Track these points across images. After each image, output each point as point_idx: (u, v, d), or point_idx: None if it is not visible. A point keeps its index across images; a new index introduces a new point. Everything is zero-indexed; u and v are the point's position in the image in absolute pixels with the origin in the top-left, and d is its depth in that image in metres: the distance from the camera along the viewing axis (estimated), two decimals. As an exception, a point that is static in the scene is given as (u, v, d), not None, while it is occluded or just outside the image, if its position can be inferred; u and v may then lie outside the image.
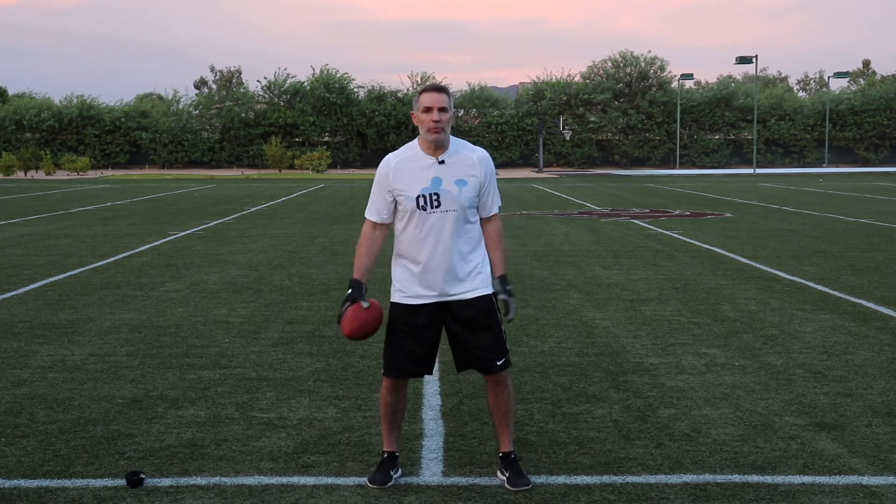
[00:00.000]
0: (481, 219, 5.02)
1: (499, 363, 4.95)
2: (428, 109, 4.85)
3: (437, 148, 4.90)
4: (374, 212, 4.99)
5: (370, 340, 8.40)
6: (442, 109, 4.84)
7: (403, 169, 4.92)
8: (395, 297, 5.01)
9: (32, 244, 16.84)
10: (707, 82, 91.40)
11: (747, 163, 78.42)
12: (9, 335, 8.71)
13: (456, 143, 4.98)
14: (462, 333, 4.97)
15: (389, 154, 5.06)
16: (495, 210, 5.04)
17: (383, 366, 5.08)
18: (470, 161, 4.94)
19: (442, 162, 4.90)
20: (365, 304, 4.90)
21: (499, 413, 5.05)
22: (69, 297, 10.87)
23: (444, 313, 4.96)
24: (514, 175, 58.55)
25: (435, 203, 4.88)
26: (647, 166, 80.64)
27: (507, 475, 4.94)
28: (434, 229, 4.89)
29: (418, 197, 4.88)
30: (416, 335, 4.95)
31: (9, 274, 12.86)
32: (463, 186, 4.90)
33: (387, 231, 5.02)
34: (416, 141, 5.00)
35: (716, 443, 5.60)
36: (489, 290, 5.00)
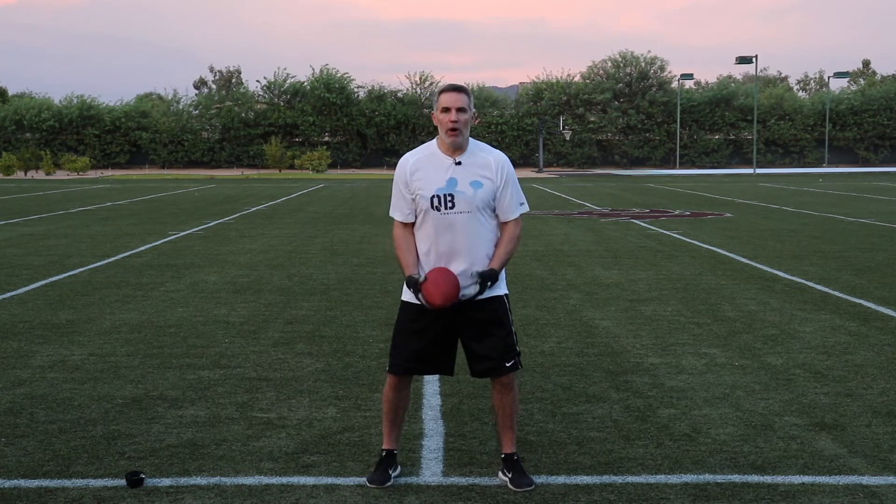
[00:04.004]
0: (501, 222, 5.01)
1: (508, 364, 4.95)
2: (447, 110, 4.84)
3: (455, 149, 4.90)
4: (398, 211, 4.99)
5: (370, 340, 8.43)
6: (461, 110, 4.83)
7: (420, 168, 4.91)
8: (406, 296, 5.01)
9: (32, 244, 16.83)
10: (707, 82, 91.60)
11: (747, 163, 78.42)
12: (9, 335, 8.71)
13: (474, 144, 4.97)
14: (472, 335, 4.96)
15: (407, 153, 5.07)
16: (515, 214, 4.98)
17: (389, 362, 5.07)
18: (486, 163, 4.93)
19: (459, 163, 4.89)
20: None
21: (503, 414, 5.04)
22: (69, 297, 10.87)
23: (454, 315, 4.95)
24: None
25: (449, 204, 4.86)
26: (647, 166, 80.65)
27: (510, 476, 4.94)
28: (448, 230, 4.88)
29: (433, 197, 4.87)
30: (424, 334, 4.95)
31: (9, 274, 12.85)
32: (478, 188, 4.88)
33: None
34: (434, 141, 4.99)
35: (716, 443, 5.59)
36: (501, 292, 5.00)
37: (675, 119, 79.73)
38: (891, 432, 5.80)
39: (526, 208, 5.05)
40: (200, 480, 5.00)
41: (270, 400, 6.53)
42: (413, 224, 4.98)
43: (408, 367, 5.01)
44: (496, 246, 5.00)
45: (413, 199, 4.93)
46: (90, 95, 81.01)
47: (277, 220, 22.87)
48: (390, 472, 5.00)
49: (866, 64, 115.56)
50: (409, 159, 4.99)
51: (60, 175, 63.16)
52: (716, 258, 14.65)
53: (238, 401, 6.50)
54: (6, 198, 33.76)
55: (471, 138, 4.97)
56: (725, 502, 4.71)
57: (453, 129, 4.84)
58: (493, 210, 4.98)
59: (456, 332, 5.01)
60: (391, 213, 5.03)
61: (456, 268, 4.87)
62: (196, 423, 5.97)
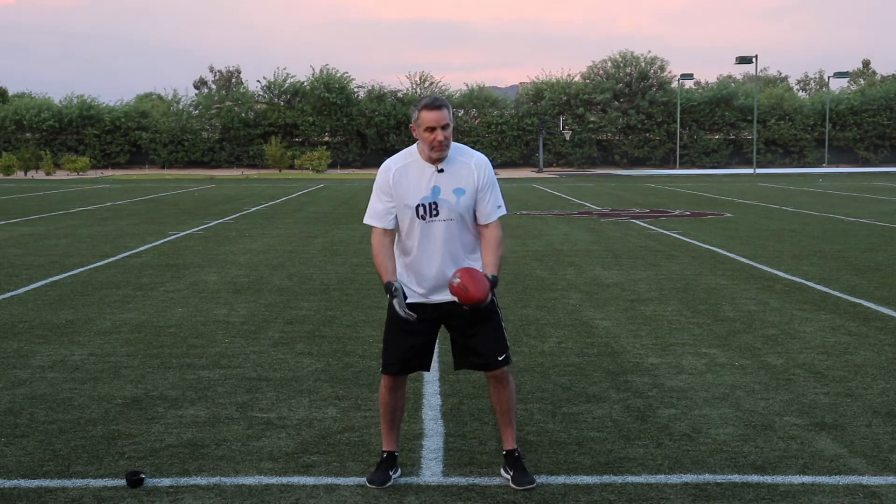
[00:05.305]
0: (479, 225, 4.99)
1: (500, 359, 4.96)
2: (431, 129, 4.81)
3: (438, 158, 4.90)
4: (378, 219, 4.95)
5: (370, 340, 8.43)
6: (445, 126, 4.80)
7: (403, 177, 4.90)
8: None
9: (32, 244, 16.84)
10: (707, 82, 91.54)
11: (747, 163, 78.42)
12: (9, 335, 8.71)
13: (455, 149, 4.95)
14: (462, 332, 4.98)
15: (388, 160, 5.02)
16: (493, 218, 4.96)
17: (382, 364, 5.08)
18: (467, 168, 4.91)
19: (441, 171, 4.88)
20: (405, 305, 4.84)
21: (501, 411, 5.06)
22: (69, 297, 10.87)
23: (443, 312, 4.97)
24: (514, 175, 58.49)
25: (434, 212, 4.87)
26: (647, 166, 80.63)
27: (511, 474, 4.95)
28: (433, 237, 4.89)
29: (418, 206, 4.87)
30: (415, 332, 4.96)
31: (9, 274, 12.85)
32: (461, 195, 4.88)
33: (394, 234, 5.01)
34: (414, 147, 4.96)
35: (716, 443, 5.60)
36: None
37: (675, 119, 79.71)
38: (891, 432, 5.80)
39: (503, 211, 5.01)
40: (200, 480, 5.00)
41: (270, 400, 6.53)
42: (392, 231, 4.97)
43: (402, 367, 5.02)
44: (483, 252, 4.98)
45: (394, 207, 4.92)
46: (90, 95, 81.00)
47: (277, 220, 22.87)
48: (390, 472, 5.00)
49: (866, 64, 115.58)
50: (391, 167, 4.95)
51: (60, 175, 63.17)
52: (716, 258, 14.65)
53: (238, 401, 6.50)
54: (6, 198, 33.76)
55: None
56: (725, 502, 4.71)
57: (440, 148, 4.82)
58: (475, 214, 4.98)
59: (447, 329, 5.04)
60: (367, 221, 4.97)
61: (440, 273, 4.88)
62: (196, 423, 5.97)
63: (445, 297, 4.92)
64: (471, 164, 4.93)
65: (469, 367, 5.10)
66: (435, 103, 4.84)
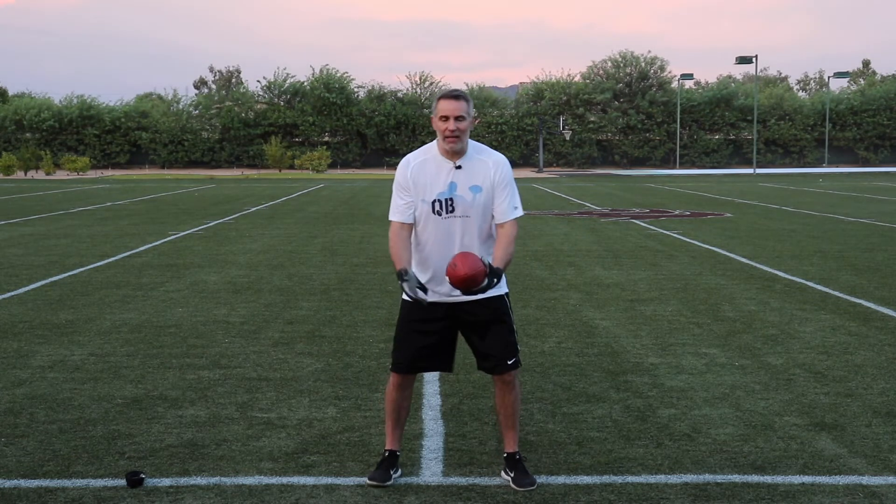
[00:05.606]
0: (496, 224, 4.99)
1: (510, 362, 4.97)
2: (445, 118, 4.84)
3: (455, 153, 4.91)
4: (398, 213, 4.96)
5: (370, 340, 8.43)
6: (459, 118, 4.83)
7: (421, 172, 4.92)
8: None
9: (32, 244, 16.83)
10: (707, 82, 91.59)
11: (747, 163, 78.43)
12: (9, 335, 8.71)
13: (474, 147, 4.97)
14: (474, 334, 4.99)
15: (409, 155, 5.06)
16: (510, 217, 4.97)
17: (392, 361, 5.07)
18: (485, 165, 4.94)
19: (459, 167, 4.90)
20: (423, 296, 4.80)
21: (505, 413, 5.06)
22: (69, 297, 10.87)
23: (456, 313, 4.97)
24: (515, 175, 57.70)
25: (449, 208, 4.89)
26: (647, 166, 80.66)
27: (513, 475, 4.95)
28: (448, 234, 4.90)
29: (434, 202, 4.89)
30: (427, 331, 4.96)
31: (9, 274, 12.85)
32: (477, 192, 4.90)
33: (412, 228, 4.99)
34: (434, 143, 4.99)
35: (716, 443, 5.60)
36: (502, 291, 5.01)
37: (675, 119, 79.74)
38: (891, 432, 5.80)
39: (519, 212, 5.02)
40: (200, 480, 5.00)
41: (270, 400, 6.53)
42: (410, 225, 4.98)
43: (411, 366, 5.02)
44: (495, 247, 4.99)
45: (413, 202, 4.93)
46: (90, 95, 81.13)
47: (277, 220, 22.87)
48: (391, 472, 5.00)
49: (866, 64, 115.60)
50: (410, 162, 4.98)
51: (60, 175, 63.16)
52: (716, 258, 14.65)
53: (238, 401, 6.50)
54: (6, 198, 33.75)
55: (470, 140, 4.96)
56: (725, 502, 4.71)
57: (452, 138, 4.84)
58: (492, 213, 4.98)
59: (457, 329, 5.03)
60: (391, 217, 5.00)
61: None
62: (196, 423, 5.97)
63: (458, 296, 4.91)
64: (489, 162, 4.95)
65: (480, 370, 5.11)
66: (453, 93, 4.91)
